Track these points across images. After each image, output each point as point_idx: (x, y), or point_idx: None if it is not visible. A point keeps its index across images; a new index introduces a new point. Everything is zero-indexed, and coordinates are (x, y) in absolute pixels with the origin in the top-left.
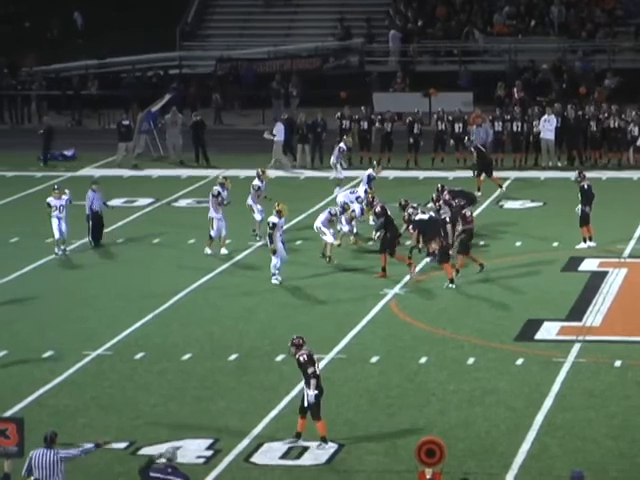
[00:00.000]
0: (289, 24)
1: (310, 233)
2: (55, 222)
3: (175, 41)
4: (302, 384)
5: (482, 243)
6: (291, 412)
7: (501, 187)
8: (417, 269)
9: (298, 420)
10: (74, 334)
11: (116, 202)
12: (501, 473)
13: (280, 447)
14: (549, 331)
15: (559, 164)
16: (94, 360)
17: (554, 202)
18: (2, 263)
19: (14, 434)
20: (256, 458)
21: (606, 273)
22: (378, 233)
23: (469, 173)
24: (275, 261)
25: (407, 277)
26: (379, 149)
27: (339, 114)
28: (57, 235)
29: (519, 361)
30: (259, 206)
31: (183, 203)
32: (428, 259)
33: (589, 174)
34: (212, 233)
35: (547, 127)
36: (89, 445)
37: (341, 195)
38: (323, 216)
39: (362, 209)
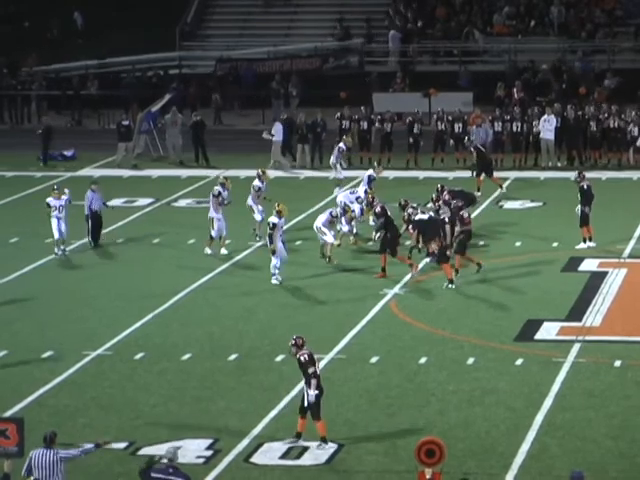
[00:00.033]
0: (289, 24)
1: (310, 233)
2: (54, 222)
3: (175, 41)
4: (302, 384)
5: (482, 243)
6: (291, 412)
7: (501, 187)
8: (418, 268)
9: (298, 420)
10: (74, 334)
11: (116, 202)
12: (501, 473)
13: (280, 447)
14: (549, 331)
15: (559, 164)
16: (94, 360)
17: (554, 202)
18: (2, 263)
19: (14, 434)
20: (256, 458)
21: (606, 273)
22: (378, 234)
23: (469, 173)
24: (275, 261)
25: (407, 276)
26: (379, 149)
27: (339, 114)
28: (57, 235)
29: (519, 361)
30: (260, 206)
31: (183, 203)
32: (428, 259)
33: (589, 174)
34: (213, 233)
35: (547, 127)
36: (89, 445)
37: (341, 195)
38: (324, 217)
39: (362, 209)
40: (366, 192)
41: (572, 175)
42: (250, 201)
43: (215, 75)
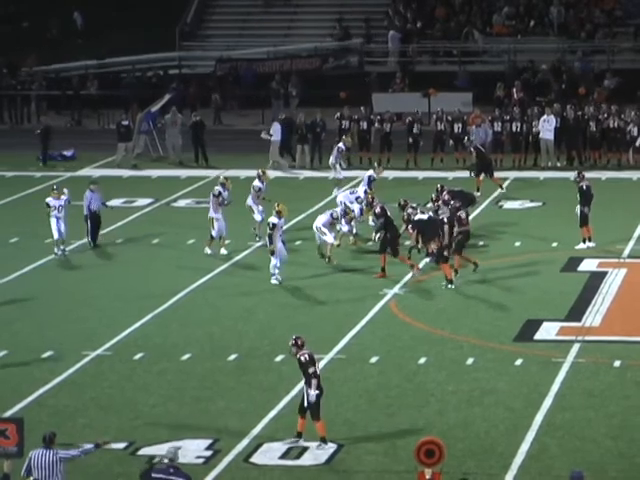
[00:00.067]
0: (289, 24)
1: (310, 233)
2: (54, 222)
3: (175, 41)
4: (302, 384)
5: (481, 243)
6: (290, 412)
7: (502, 188)
8: (419, 268)
9: (298, 420)
10: (74, 334)
11: (115, 202)
12: (500, 473)
13: (280, 447)
14: (548, 331)
15: (558, 164)
16: (93, 360)
17: (553, 202)
18: (2, 263)
19: (14, 434)
20: (255, 458)
21: (605, 273)
22: (378, 234)
23: (468, 173)
24: (274, 261)
25: (407, 277)
26: (378, 149)
27: (338, 114)
28: (56, 235)
29: (518, 361)
30: (260, 207)
31: (182, 203)
32: (427, 259)
33: (588, 174)
34: (213, 233)
35: (546, 127)
36: (89, 445)
37: (341, 195)
38: (324, 218)
39: (361, 209)
40: (366, 192)
41: (572, 175)
42: (250, 201)
43: (215, 75)
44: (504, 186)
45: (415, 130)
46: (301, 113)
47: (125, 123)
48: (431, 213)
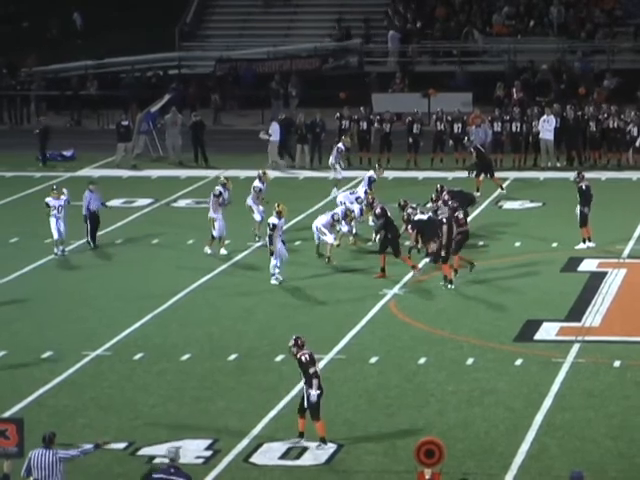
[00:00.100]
0: (288, 24)
1: (310, 234)
2: (53, 222)
3: (174, 41)
4: (301, 384)
5: (481, 243)
6: (290, 412)
7: (502, 188)
8: (420, 268)
9: (298, 420)
10: (73, 334)
11: (115, 202)
12: (500, 473)
13: (279, 447)
14: (548, 331)
15: (558, 164)
16: (93, 360)
17: (553, 202)
18: (2, 263)
19: (14, 435)
20: (255, 458)
21: (605, 273)
22: (378, 235)
23: (466, 173)
24: (274, 262)
25: (407, 277)
26: (378, 150)
27: (338, 114)
28: (56, 235)
29: (518, 361)
30: (260, 207)
31: (182, 203)
32: (427, 259)
33: (588, 174)
34: (214, 233)
35: (546, 127)
36: (88, 446)
37: (341, 195)
38: (325, 219)
39: (361, 209)
40: (366, 193)
41: (571, 175)
42: (250, 201)
43: (214, 75)
44: (504, 186)
45: (415, 130)
46: (301, 113)
47: (125, 123)
48: (431, 213)
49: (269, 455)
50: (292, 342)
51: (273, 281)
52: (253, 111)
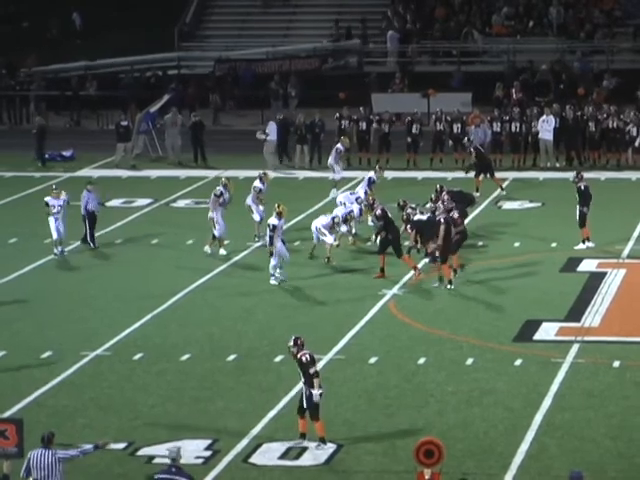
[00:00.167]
0: (288, 25)
1: (309, 234)
2: (52, 222)
3: (173, 41)
4: (300, 384)
5: (481, 244)
6: (290, 412)
7: (502, 188)
8: (419, 268)
9: (299, 421)
10: (73, 334)
11: (114, 203)
12: (500, 473)
13: (279, 447)
14: (548, 332)
15: (557, 165)
16: (93, 361)
17: (553, 203)
18: (1, 263)
19: (13, 435)
20: (255, 458)
21: (605, 274)
22: (378, 237)
23: (469, 174)
24: (274, 262)
25: (406, 277)
26: (377, 150)
27: (338, 115)
28: (55, 235)
29: (517, 362)
30: (260, 207)
31: (182, 204)
32: (427, 259)
33: (588, 175)
34: (215, 233)
35: (546, 128)
36: (88, 446)
37: (341, 196)
38: (325, 220)
39: (360, 209)
40: (366, 193)
41: (571, 175)
42: (249, 201)
43: (214, 75)
44: (503, 186)
45: (414, 130)
46: (300, 113)
47: (124, 123)
48: (430, 213)
49: (268, 455)
50: (292, 342)
51: (272, 281)
52: (252, 111)
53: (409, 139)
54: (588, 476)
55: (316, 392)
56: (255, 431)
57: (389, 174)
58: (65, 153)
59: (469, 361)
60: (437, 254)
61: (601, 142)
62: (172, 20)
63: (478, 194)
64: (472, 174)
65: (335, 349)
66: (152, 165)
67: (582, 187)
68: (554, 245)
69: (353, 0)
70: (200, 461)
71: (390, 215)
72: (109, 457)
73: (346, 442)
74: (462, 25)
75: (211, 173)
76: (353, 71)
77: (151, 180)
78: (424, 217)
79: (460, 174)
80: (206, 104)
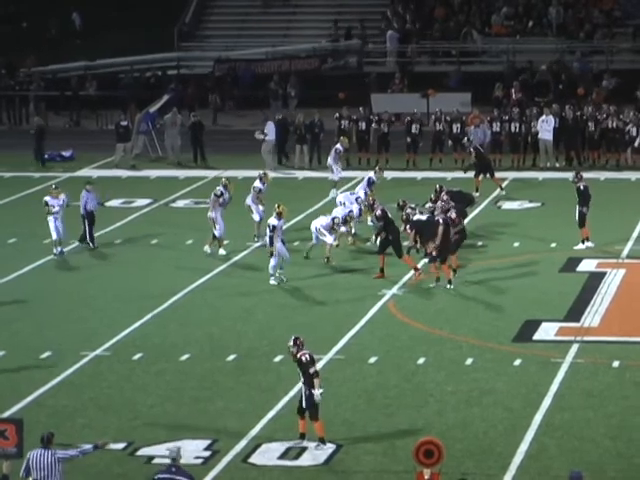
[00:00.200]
0: (287, 25)
1: (309, 234)
2: (52, 222)
3: (173, 42)
4: (300, 385)
5: (480, 244)
6: (289, 413)
7: (501, 188)
8: (420, 268)
9: (298, 422)
10: (72, 334)
11: (114, 203)
12: (499, 473)
13: (278, 448)
14: (547, 332)
15: (557, 165)
16: (92, 361)
17: (552, 203)
18: (1, 264)
19: (13, 435)
20: (254, 459)
21: (604, 274)
22: (378, 237)
23: (468, 174)
24: (273, 262)
25: (406, 277)
26: (377, 150)
27: (337, 115)
28: (54, 236)
29: (517, 362)
30: (260, 207)
31: (181, 204)
32: (426, 260)
33: (587, 175)
34: (216, 233)
35: (545, 128)
36: (87, 446)
37: (341, 196)
38: (325, 221)
39: (360, 209)
40: (366, 194)
41: (570, 176)
42: (249, 201)
43: (213, 76)
44: (503, 186)
45: (414, 130)
46: (300, 113)
47: (124, 124)
48: (429, 213)
49: (268, 455)
50: (291, 342)
51: (272, 281)
52: (252, 111)
53: (408, 139)
54: (588, 476)
55: (317, 392)
56: (255, 431)
57: (388, 174)
58: (65, 153)
59: (469, 361)
60: (434, 253)
61: (600, 142)
62: (172, 20)
63: (478, 194)
64: (471, 174)
65: (335, 349)
66: (152, 165)
67: (581, 187)
68: (553, 245)
69: (352, 0)
70: (199, 461)
71: (390, 215)
72: (108, 457)
73: (345, 442)
74: (461, 25)
75: (211, 173)
76: (352, 71)
77: (151, 180)
78: (423, 217)
79: (460, 174)
80: (205, 104)
